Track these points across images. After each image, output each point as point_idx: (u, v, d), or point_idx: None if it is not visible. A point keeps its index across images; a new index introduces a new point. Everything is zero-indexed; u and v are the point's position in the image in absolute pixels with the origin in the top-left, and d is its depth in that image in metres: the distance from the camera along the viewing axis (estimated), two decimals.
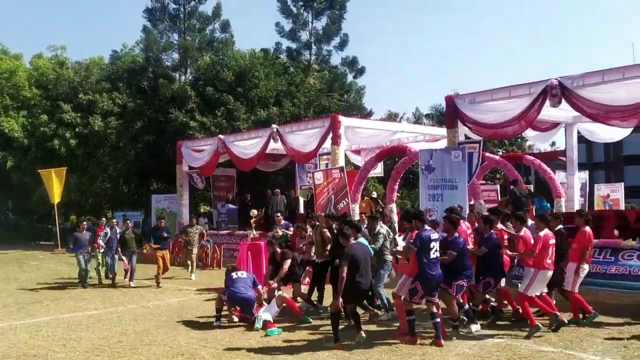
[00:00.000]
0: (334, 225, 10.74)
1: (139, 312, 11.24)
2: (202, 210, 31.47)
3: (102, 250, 15.27)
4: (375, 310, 9.71)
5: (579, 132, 18.14)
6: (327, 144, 17.67)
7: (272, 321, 9.32)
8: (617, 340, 7.93)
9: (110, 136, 29.73)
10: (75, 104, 30.24)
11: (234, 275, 10.10)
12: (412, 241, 8.13)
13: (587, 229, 9.27)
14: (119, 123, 29.81)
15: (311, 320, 9.69)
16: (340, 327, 8.16)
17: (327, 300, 9.74)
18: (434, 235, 8.03)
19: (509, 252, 9.24)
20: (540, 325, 8.32)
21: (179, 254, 18.93)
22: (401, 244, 9.18)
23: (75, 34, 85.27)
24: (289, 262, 10.56)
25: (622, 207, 23.48)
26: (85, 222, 16.45)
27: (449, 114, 15.12)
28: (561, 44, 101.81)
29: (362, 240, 8.59)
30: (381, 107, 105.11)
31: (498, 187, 22.42)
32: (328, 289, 10.30)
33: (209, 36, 35.24)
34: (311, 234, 11.57)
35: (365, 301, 9.34)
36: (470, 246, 9.10)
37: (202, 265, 18.24)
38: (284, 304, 9.81)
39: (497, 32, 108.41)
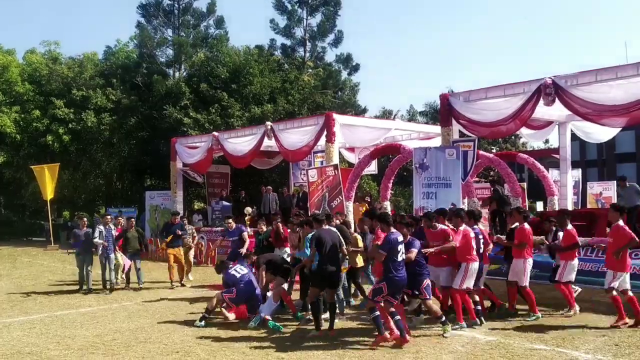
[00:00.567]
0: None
1: (133, 309, 11.24)
2: (196, 207, 31.43)
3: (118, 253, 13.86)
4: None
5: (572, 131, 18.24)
6: (322, 141, 17.68)
7: (270, 318, 9.34)
8: (609, 338, 7.99)
9: (104, 132, 29.65)
10: (68, 100, 30.13)
11: (236, 274, 10.05)
12: (380, 245, 8.07)
13: (526, 225, 9.63)
14: (113, 119, 29.73)
15: (304, 316, 9.71)
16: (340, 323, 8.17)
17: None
18: (400, 238, 8.04)
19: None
20: (464, 324, 8.66)
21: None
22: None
23: (69, 30, 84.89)
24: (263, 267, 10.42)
25: None
26: (85, 219, 14.51)
27: (444, 112, 15.14)
28: (556, 42, 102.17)
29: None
30: (375, 104, 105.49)
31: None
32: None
33: (203, 32, 35.24)
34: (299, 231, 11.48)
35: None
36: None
37: (196, 262, 18.21)
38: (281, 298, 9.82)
39: (492, 30, 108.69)
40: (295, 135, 18.57)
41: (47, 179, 26.41)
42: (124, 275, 14.08)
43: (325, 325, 8.74)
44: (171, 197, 23.85)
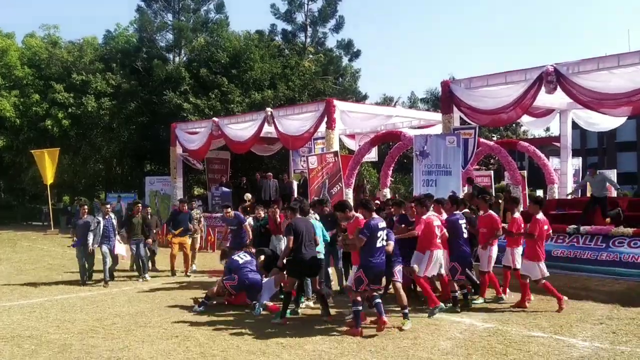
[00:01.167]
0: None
1: (133, 294, 11.28)
2: (195, 193, 31.44)
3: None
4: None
5: (573, 120, 18.20)
6: (322, 128, 17.64)
7: (271, 303, 9.35)
8: (606, 326, 8.03)
9: (104, 117, 29.59)
10: (68, 84, 30.05)
11: (239, 260, 10.05)
12: (361, 230, 7.91)
13: (492, 212, 9.91)
14: (113, 104, 29.66)
15: (306, 302, 9.74)
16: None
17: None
18: (382, 224, 8.00)
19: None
20: (443, 305, 8.79)
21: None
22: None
23: (68, 14, 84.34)
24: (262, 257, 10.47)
25: (615, 194, 23.59)
26: (86, 206, 13.24)
27: (445, 99, 15.09)
28: (558, 32, 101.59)
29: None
30: (376, 91, 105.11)
31: (492, 173, 22.48)
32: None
33: (203, 17, 35.01)
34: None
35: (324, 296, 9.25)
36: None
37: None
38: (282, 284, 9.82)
39: (494, 18, 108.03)
40: (296, 121, 18.52)
41: (47, 164, 26.40)
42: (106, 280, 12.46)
43: (321, 315, 8.76)
44: (171, 182, 23.86)
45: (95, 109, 29.13)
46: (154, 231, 13.90)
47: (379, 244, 7.83)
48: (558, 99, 14.89)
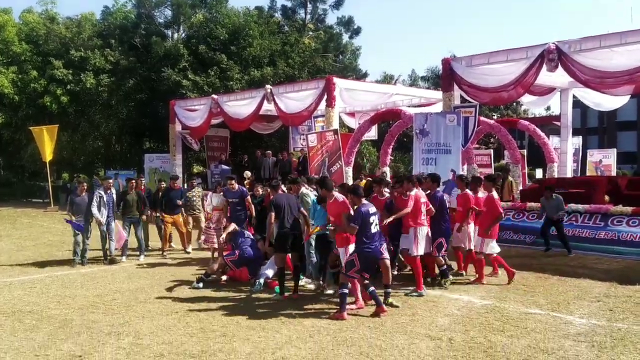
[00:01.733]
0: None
1: (133, 270, 11.33)
2: (195, 171, 31.43)
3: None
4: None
5: (574, 97, 18.13)
6: (322, 106, 17.56)
7: (273, 279, 9.38)
8: (603, 304, 8.09)
9: (102, 94, 29.42)
10: (66, 61, 29.83)
11: (241, 235, 10.12)
12: (352, 218, 7.76)
13: (468, 191, 9.89)
14: (111, 81, 29.48)
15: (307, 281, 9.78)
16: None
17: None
18: (372, 209, 7.86)
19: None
20: (424, 293, 8.69)
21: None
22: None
23: None
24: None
25: (614, 173, 23.66)
26: (85, 183, 12.67)
27: (445, 77, 14.99)
28: (561, 8, 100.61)
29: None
30: (376, 68, 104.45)
31: (492, 151, 22.48)
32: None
33: None
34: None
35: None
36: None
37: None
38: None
39: None
40: (295, 99, 18.43)
41: (46, 141, 26.32)
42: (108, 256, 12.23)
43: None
44: (170, 160, 23.85)
45: (93, 86, 28.96)
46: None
47: (373, 230, 7.70)
48: (559, 77, 14.82)
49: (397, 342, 6.47)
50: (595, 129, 52.76)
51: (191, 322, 7.38)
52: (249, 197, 11.67)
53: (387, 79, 43.48)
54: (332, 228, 8.17)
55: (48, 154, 26.55)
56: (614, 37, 12.04)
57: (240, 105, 20.40)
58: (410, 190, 8.97)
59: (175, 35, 33.53)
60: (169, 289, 9.47)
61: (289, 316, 7.59)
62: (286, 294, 8.78)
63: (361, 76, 37.56)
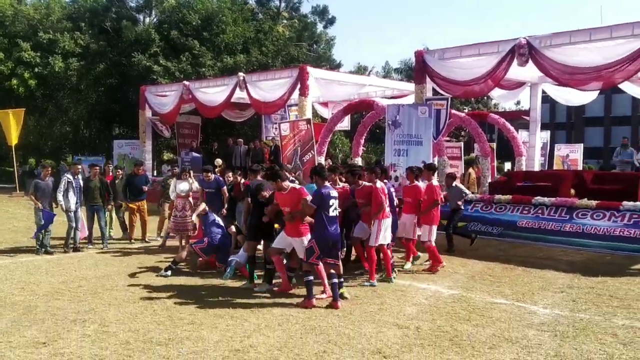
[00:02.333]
0: None
1: (99, 257, 11.17)
2: (165, 158, 31.05)
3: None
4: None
5: (543, 92, 18.42)
6: (295, 95, 17.49)
7: (244, 266, 9.21)
8: (567, 294, 8.27)
9: (71, 78, 28.79)
10: (34, 43, 29.07)
11: (210, 218, 9.98)
12: (312, 198, 7.68)
13: (420, 183, 10.14)
14: (81, 65, 28.88)
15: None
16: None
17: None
18: (333, 192, 7.80)
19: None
20: (375, 283, 8.74)
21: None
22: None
23: None
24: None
25: (580, 167, 24.16)
26: (51, 168, 12.26)
27: (418, 69, 15.09)
28: (533, 5, 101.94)
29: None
30: (351, 59, 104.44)
31: (462, 144, 22.72)
32: None
33: None
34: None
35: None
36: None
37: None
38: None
39: None
40: (269, 87, 18.31)
41: (12, 124, 25.64)
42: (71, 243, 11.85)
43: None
44: (140, 146, 23.51)
45: (62, 70, 28.31)
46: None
47: (332, 213, 7.61)
48: (529, 72, 15.02)
49: (365, 330, 6.52)
50: (564, 124, 53.81)
51: (158, 310, 7.31)
52: (225, 187, 11.58)
53: (361, 70, 43.52)
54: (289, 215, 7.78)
55: (14, 138, 25.88)
56: (584, 33, 12.25)
57: (213, 93, 20.18)
58: (374, 180, 8.96)
59: (147, 20, 33.00)
60: (136, 277, 9.36)
61: (258, 305, 7.58)
62: (256, 281, 8.77)
63: (335, 66, 37.54)
